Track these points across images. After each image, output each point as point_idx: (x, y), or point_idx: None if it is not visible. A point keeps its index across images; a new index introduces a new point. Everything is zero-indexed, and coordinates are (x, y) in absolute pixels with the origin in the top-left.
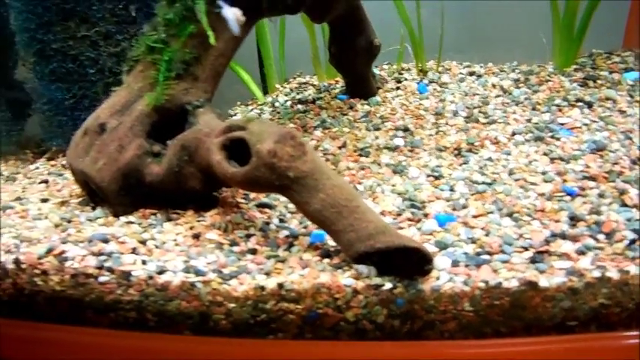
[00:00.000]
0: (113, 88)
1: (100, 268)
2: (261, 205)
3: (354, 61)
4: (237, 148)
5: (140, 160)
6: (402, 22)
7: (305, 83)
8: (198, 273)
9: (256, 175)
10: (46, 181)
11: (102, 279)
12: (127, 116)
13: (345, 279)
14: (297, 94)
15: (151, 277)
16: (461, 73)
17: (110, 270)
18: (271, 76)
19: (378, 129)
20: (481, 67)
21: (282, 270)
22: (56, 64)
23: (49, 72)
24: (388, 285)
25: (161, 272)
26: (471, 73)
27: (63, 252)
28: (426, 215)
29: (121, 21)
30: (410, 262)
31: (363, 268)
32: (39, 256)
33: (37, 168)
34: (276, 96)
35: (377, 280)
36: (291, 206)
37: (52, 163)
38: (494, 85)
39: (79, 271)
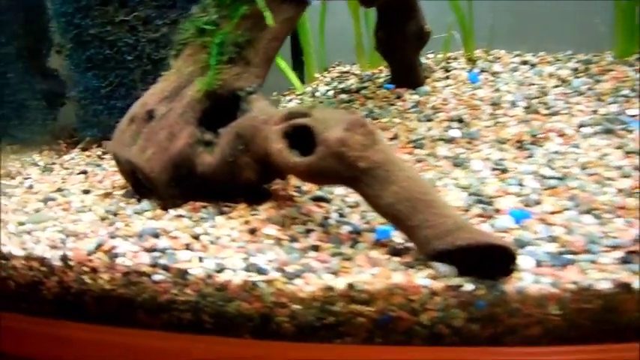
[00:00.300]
0: (156, 74)
1: (154, 265)
2: (317, 199)
3: (403, 48)
4: (299, 137)
5: (192, 150)
6: (453, 10)
7: (346, 72)
8: (260, 271)
9: (323, 165)
10: (85, 172)
11: (156, 277)
12: (177, 102)
13: (422, 279)
14: (339, 83)
15: (209, 276)
16: (512, 62)
17: (165, 268)
18: (310, 65)
19: (430, 120)
20: (533, 55)
21: (350, 269)
22: (93, 51)
23: (86, 59)
24: (469, 286)
25: (220, 270)
26: (524, 62)
27: (113, 248)
28: (497, 211)
29: (161, 5)
30: (491, 261)
31: (442, 267)
32: (88, 252)
33: (73, 158)
34: (316, 86)
35: (456, 281)
36: (350, 199)
37: (87, 153)
38: (550, 75)
39: (131, 268)
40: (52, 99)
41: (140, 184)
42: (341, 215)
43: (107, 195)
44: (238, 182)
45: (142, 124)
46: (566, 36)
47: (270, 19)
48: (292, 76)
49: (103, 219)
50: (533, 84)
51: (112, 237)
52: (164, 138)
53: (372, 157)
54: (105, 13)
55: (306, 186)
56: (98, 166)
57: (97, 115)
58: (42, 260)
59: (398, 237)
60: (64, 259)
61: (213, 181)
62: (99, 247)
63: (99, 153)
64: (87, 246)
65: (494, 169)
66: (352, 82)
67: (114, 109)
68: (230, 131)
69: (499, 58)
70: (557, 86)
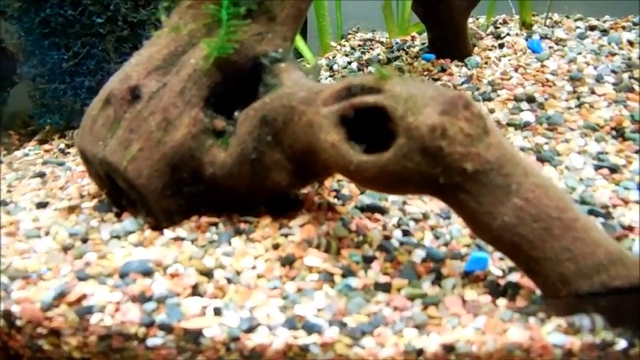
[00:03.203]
0: (136, 42)
1: (150, 325)
2: (368, 209)
3: (449, 8)
4: (362, 125)
5: (197, 143)
6: None
7: (370, 40)
8: (310, 328)
9: (405, 166)
10: (41, 174)
11: (152, 342)
12: (174, 75)
13: (553, 334)
14: (363, 53)
15: (234, 339)
16: (578, 27)
17: (165, 327)
18: (325, 32)
19: (489, 99)
20: (597, 20)
21: (441, 320)
22: (50, 11)
23: (41, 22)
24: (622, 343)
25: (250, 330)
26: (592, 28)
27: (83, 297)
28: (628, 229)
29: None
30: None
31: (582, 319)
32: (45, 304)
33: (27, 155)
34: (333, 57)
35: (605, 336)
36: (412, 209)
37: (46, 147)
38: (631, 43)
39: (113, 330)
40: None
41: (120, 193)
42: (405, 233)
43: (72, 209)
44: (262, 189)
45: (122, 107)
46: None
47: None
48: (300, 44)
49: (65, 249)
50: (614, 53)
51: (81, 278)
52: (156, 127)
53: (484, 155)
54: None
55: (347, 188)
56: (60, 164)
57: (58, 98)
58: None
59: (495, 266)
60: (8, 316)
61: (227, 187)
62: (61, 296)
63: (62, 146)
64: (43, 295)
65: (598, 168)
66: (379, 52)
67: (80, 89)
68: (252, 115)
69: (559, 22)
70: None
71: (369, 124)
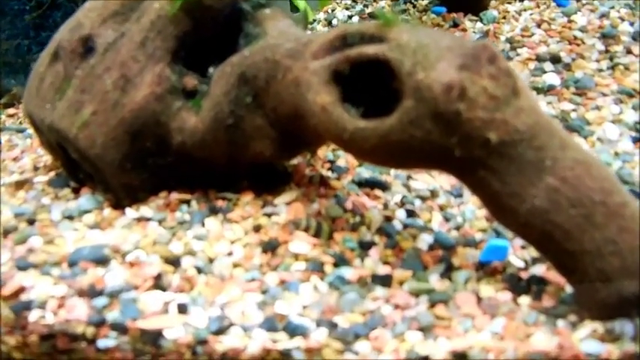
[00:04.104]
0: None
1: (100, 323)
2: (366, 184)
3: None
4: (361, 83)
5: (162, 105)
6: None
7: None
8: (292, 330)
9: (412, 135)
10: None
11: (104, 343)
12: (134, 23)
13: (586, 341)
14: (365, 6)
15: (201, 342)
16: None
17: (118, 326)
18: None
19: (508, 58)
20: None
21: (451, 321)
22: None
23: None
24: None
25: (220, 331)
26: None
27: (22, 289)
28: None
29: None
30: None
31: (623, 324)
32: None
33: None
34: (332, 11)
35: None
36: (418, 185)
37: (11, 111)
38: None
39: (57, 328)
40: None
41: (77, 164)
42: (410, 214)
43: (21, 184)
44: (242, 160)
45: (73, 62)
46: None
47: None
48: None
49: (6, 232)
50: None
51: (21, 268)
52: (112, 86)
53: (512, 123)
54: None
55: (344, 159)
56: (21, 131)
57: (21, 55)
58: None
59: (515, 255)
60: None
61: (200, 158)
62: None
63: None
64: None
65: (636, 140)
66: (384, 5)
67: (47, 45)
68: (229, 72)
69: None
70: None
71: (369, 82)
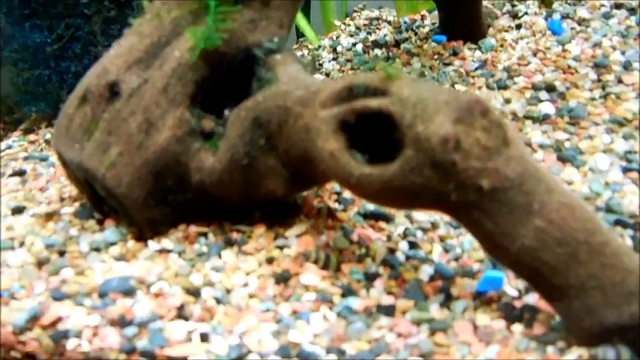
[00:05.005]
0: (123, 24)
1: (131, 351)
2: (371, 216)
3: None
4: (365, 130)
5: (182, 147)
6: None
7: (377, 19)
8: (305, 357)
9: (413, 181)
10: (21, 173)
11: None
12: (157, 70)
13: None
14: (369, 33)
15: None
16: (603, 5)
17: (148, 354)
18: (328, 10)
19: (504, 87)
20: None
21: (450, 348)
22: None
23: (21, 2)
24: None
25: (239, 358)
26: (618, 6)
27: (58, 320)
28: None
29: None
30: None
31: (606, 350)
32: (17, 327)
33: (10, 147)
34: (337, 37)
35: None
36: (419, 217)
37: (32, 137)
38: None
39: (92, 356)
40: None
41: (102, 198)
42: (412, 245)
43: (50, 216)
44: (256, 196)
45: (100, 105)
46: None
47: None
48: (303, 23)
49: (40, 263)
50: None
51: (57, 298)
52: (137, 129)
53: (503, 171)
54: None
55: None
56: (44, 159)
57: (42, 84)
58: None
59: (510, 285)
60: None
61: (217, 195)
62: (34, 318)
63: (48, 136)
64: (14, 317)
65: (627, 170)
66: (386, 33)
67: (66, 74)
68: (244, 116)
69: None
70: None
71: (374, 129)
